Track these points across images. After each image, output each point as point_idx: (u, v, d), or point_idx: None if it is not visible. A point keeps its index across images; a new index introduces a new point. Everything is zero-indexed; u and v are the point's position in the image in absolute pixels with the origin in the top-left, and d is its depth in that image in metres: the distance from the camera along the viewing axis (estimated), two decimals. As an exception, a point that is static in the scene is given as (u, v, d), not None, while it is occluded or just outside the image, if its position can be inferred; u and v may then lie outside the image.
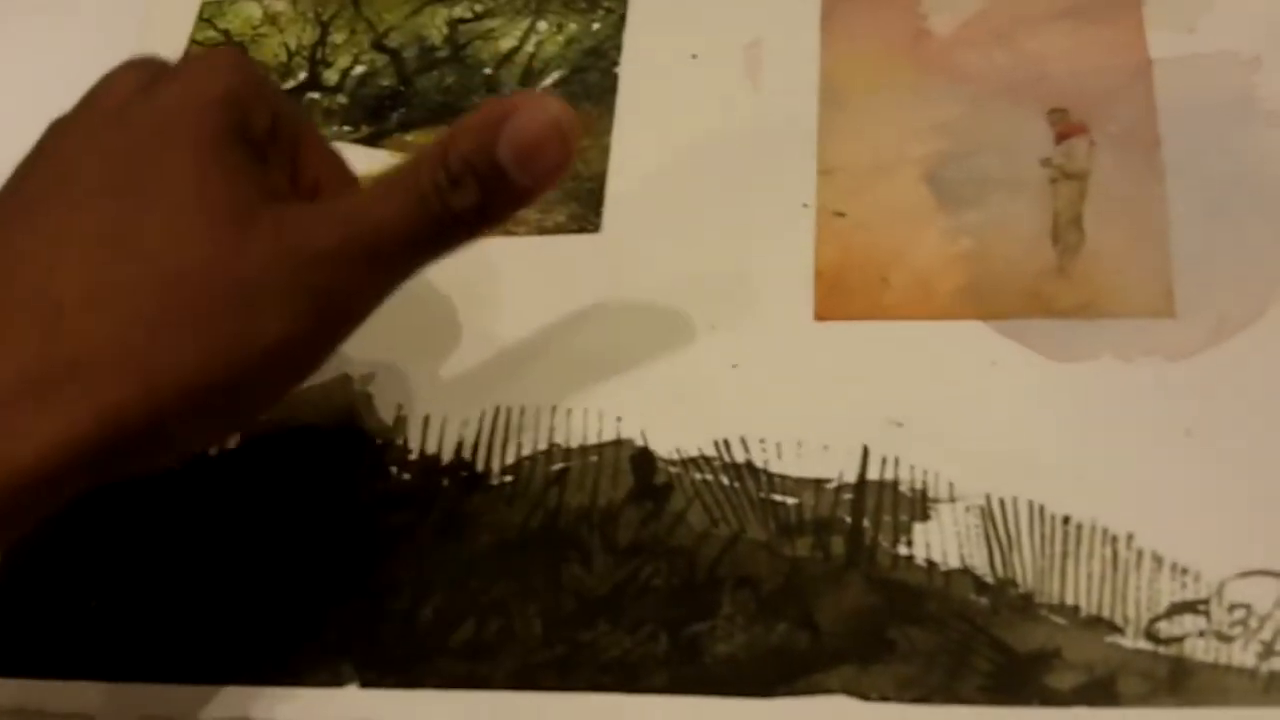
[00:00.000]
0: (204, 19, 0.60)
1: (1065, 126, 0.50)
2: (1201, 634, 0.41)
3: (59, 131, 0.43)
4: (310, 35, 0.58)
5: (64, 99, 0.56)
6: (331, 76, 0.57)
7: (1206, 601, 0.41)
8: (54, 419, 0.36)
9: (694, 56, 0.55)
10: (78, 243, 0.39)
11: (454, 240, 0.41)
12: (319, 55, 0.58)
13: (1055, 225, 0.48)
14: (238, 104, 0.41)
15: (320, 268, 0.39)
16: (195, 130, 0.40)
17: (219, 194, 0.39)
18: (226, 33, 0.59)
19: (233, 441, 0.49)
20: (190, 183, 0.39)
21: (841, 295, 0.48)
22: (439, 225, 0.40)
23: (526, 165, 0.39)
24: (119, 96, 0.42)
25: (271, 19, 0.59)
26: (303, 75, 0.57)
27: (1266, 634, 0.41)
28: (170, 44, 0.59)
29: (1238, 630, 0.41)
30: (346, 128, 0.55)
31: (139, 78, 0.42)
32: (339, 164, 0.45)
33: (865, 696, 0.41)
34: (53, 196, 0.40)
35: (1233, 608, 0.41)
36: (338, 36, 0.58)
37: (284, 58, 0.58)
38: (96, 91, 0.43)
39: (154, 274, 0.38)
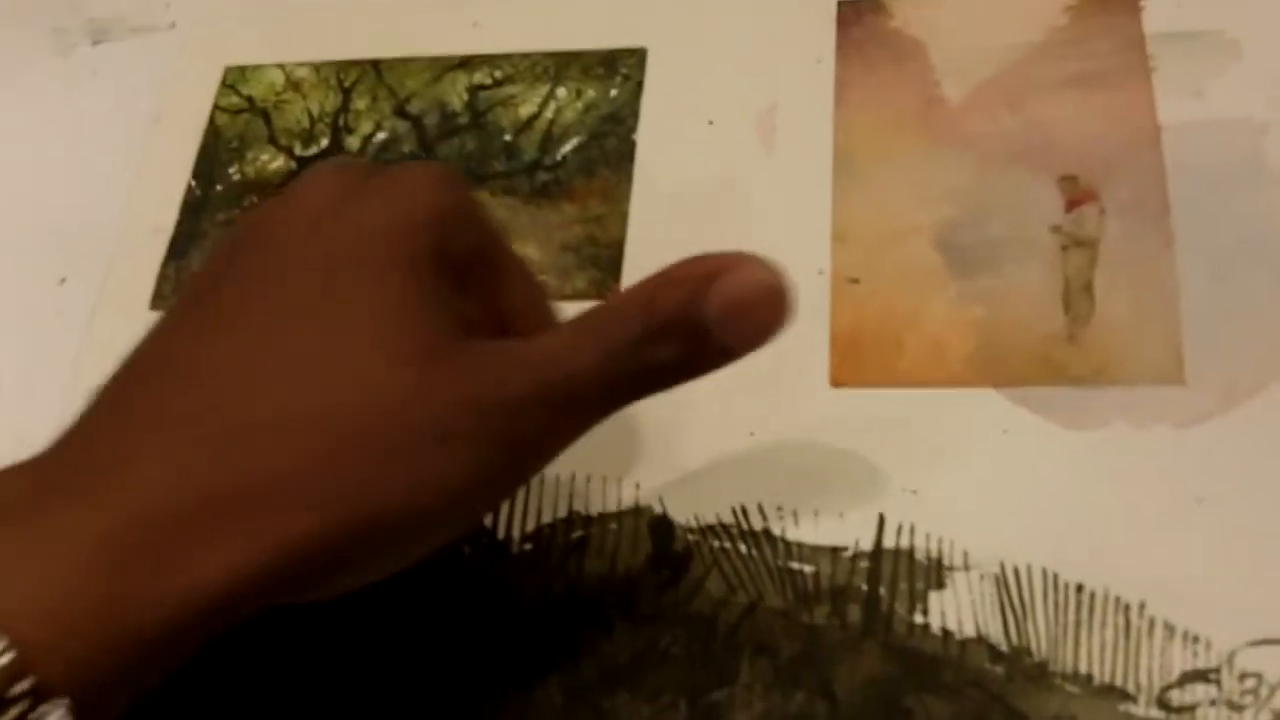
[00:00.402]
0: (227, 85, 0.61)
1: (1076, 194, 0.51)
2: (1213, 702, 0.42)
3: (256, 232, 0.41)
4: (333, 102, 0.59)
5: (87, 162, 0.58)
6: (354, 143, 0.58)
7: (1218, 670, 0.42)
8: (234, 544, 0.35)
9: (710, 123, 0.56)
10: (272, 364, 0.37)
11: (648, 391, 0.40)
12: (341, 122, 0.59)
13: (1066, 292, 0.49)
14: (443, 226, 0.40)
15: (511, 415, 0.38)
16: (397, 253, 0.39)
17: (415, 326, 0.38)
18: (250, 99, 0.60)
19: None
20: (386, 311, 0.38)
21: (856, 361, 0.49)
22: (634, 379, 0.39)
23: (733, 326, 0.38)
24: (319, 203, 0.40)
25: (294, 85, 0.60)
26: (325, 142, 0.58)
27: (1277, 702, 0.41)
28: (194, 109, 0.60)
29: (1248, 699, 0.41)
30: (368, 194, 0.56)
31: (343, 184, 0.41)
32: (536, 293, 0.44)
33: (882, 765, 0.42)
34: (244, 310, 0.39)
35: (1244, 676, 0.42)
36: (360, 103, 0.59)
37: (306, 124, 0.59)
38: (298, 192, 0.41)
39: (345, 405, 0.37)
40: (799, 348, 0.50)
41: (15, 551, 0.34)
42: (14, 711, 0.32)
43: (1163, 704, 0.42)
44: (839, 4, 0.57)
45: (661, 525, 0.47)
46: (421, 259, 0.39)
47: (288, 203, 0.41)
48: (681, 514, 0.47)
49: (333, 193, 0.41)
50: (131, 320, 0.55)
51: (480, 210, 0.43)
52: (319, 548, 0.36)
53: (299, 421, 0.36)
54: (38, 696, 0.33)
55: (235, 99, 0.60)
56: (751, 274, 0.38)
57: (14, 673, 0.32)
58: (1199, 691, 0.42)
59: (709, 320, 0.38)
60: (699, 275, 0.38)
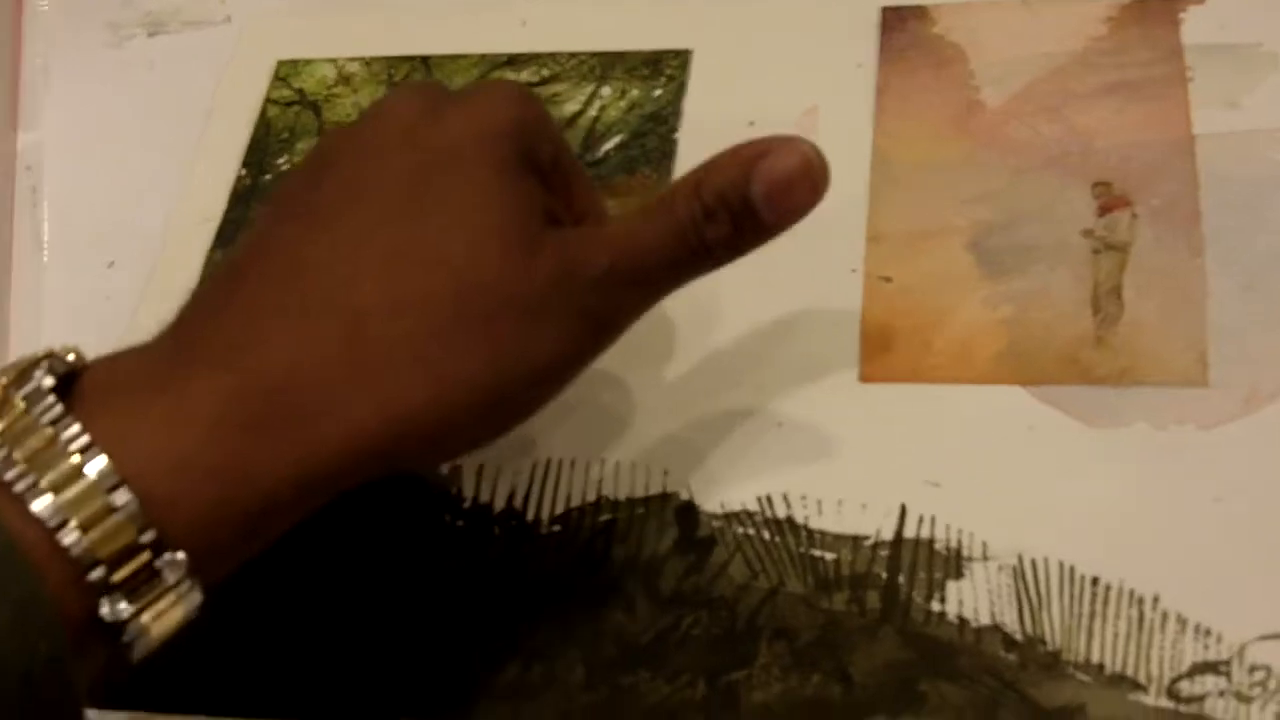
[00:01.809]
0: (279, 78, 0.62)
1: (1109, 199, 0.51)
2: (1222, 694, 0.42)
3: (341, 147, 0.45)
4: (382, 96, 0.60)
5: (140, 151, 0.60)
6: (402, 136, 0.59)
7: (1228, 663, 0.42)
8: (352, 415, 0.39)
9: (751, 123, 0.57)
10: (377, 257, 0.41)
11: (705, 267, 0.44)
12: (390, 115, 0.60)
13: (1095, 295, 0.50)
14: (525, 134, 0.44)
15: (595, 289, 0.42)
16: (489, 155, 0.42)
17: (511, 217, 0.42)
18: (301, 91, 0.62)
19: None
20: (484, 205, 0.42)
21: (886, 358, 0.50)
22: (694, 254, 0.43)
23: (775, 203, 0.42)
24: (405, 119, 0.44)
25: (345, 80, 0.62)
26: (374, 134, 0.59)
27: (1288, 697, 0.42)
28: (247, 101, 0.62)
29: (1257, 691, 0.42)
30: (414, 185, 0.58)
31: (423, 103, 0.44)
32: (596, 195, 0.48)
33: (895, 748, 0.43)
34: (345, 210, 0.42)
35: (1253, 669, 0.42)
36: (409, 97, 0.60)
37: (356, 117, 0.60)
38: (380, 112, 0.45)
39: (451, 289, 0.40)
40: (830, 343, 0.51)
41: (145, 413, 0.37)
42: (138, 561, 0.36)
43: (1172, 694, 0.42)
44: (882, 9, 0.58)
45: (687, 511, 0.48)
46: (510, 160, 0.43)
47: (375, 119, 0.45)
48: (708, 501, 0.48)
49: (420, 108, 0.44)
50: (178, 304, 0.56)
51: (552, 122, 0.47)
52: (427, 417, 0.40)
53: (407, 305, 0.40)
54: (158, 548, 0.36)
55: (287, 92, 0.62)
56: (790, 154, 0.43)
57: (140, 523, 0.36)
58: (1209, 683, 0.42)
59: (755, 200, 0.42)
60: (746, 157, 0.43)
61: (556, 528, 0.49)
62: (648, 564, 0.47)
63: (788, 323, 0.52)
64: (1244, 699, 0.42)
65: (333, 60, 0.62)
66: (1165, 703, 0.42)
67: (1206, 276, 0.49)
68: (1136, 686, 0.43)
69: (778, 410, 0.50)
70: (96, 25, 0.66)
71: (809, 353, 0.51)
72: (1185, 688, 0.42)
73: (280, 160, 0.60)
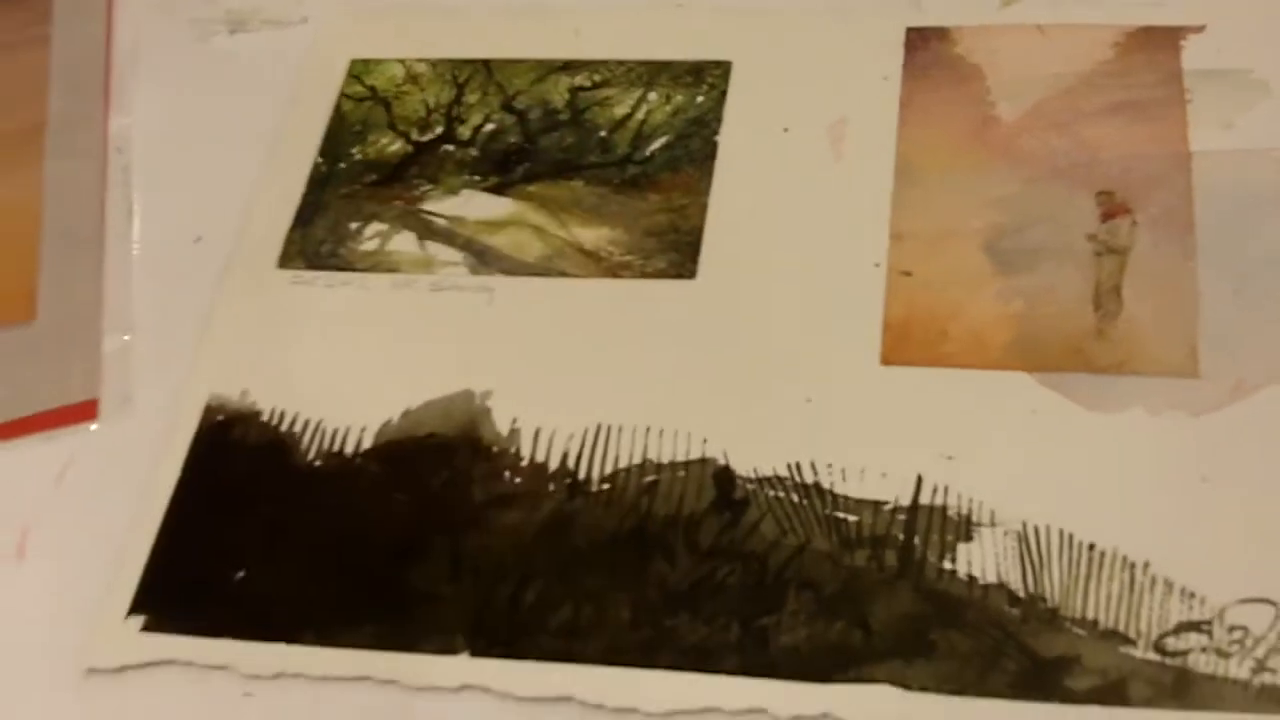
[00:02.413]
0: (352, 75, 0.68)
1: (1111, 207, 0.57)
2: (1204, 650, 0.47)
3: None
4: (447, 95, 0.66)
5: (224, 138, 0.65)
6: (465, 132, 0.65)
7: (1210, 622, 0.48)
8: None
9: (785, 130, 0.62)
10: None
11: None
12: (454, 113, 0.65)
13: (1097, 293, 0.55)
14: None
15: None
16: None
17: None
18: (373, 89, 0.67)
19: (368, 443, 0.56)
20: None
21: (905, 344, 0.55)
22: None
23: None
24: None
25: (413, 79, 0.67)
26: (439, 129, 0.65)
27: (1260, 652, 0.47)
28: (322, 95, 0.67)
29: (1235, 648, 0.47)
30: (476, 177, 0.63)
31: None
32: None
33: (908, 687, 0.48)
34: None
35: (1232, 629, 0.47)
36: (471, 97, 0.66)
37: (423, 113, 0.66)
38: None
39: None
40: (855, 329, 0.56)
41: None
42: None
43: (1159, 649, 0.47)
44: (907, 29, 0.64)
45: (724, 474, 0.53)
46: None
47: None
48: (743, 466, 0.53)
49: None
50: (260, 277, 0.62)
51: None
52: None
53: None
54: None
55: (359, 88, 0.67)
56: None
57: None
58: (1192, 640, 0.47)
59: None
60: None
61: (606, 486, 0.54)
62: (688, 520, 0.52)
63: (817, 310, 0.57)
64: (1223, 655, 0.47)
65: (402, 60, 0.68)
66: (1153, 656, 0.47)
67: (1198, 279, 0.54)
68: (1127, 641, 0.48)
69: (807, 388, 0.55)
70: (181, 22, 0.71)
71: (836, 337, 0.56)
72: (1171, 643, 0.47)
73: (353, 150, 0.65)
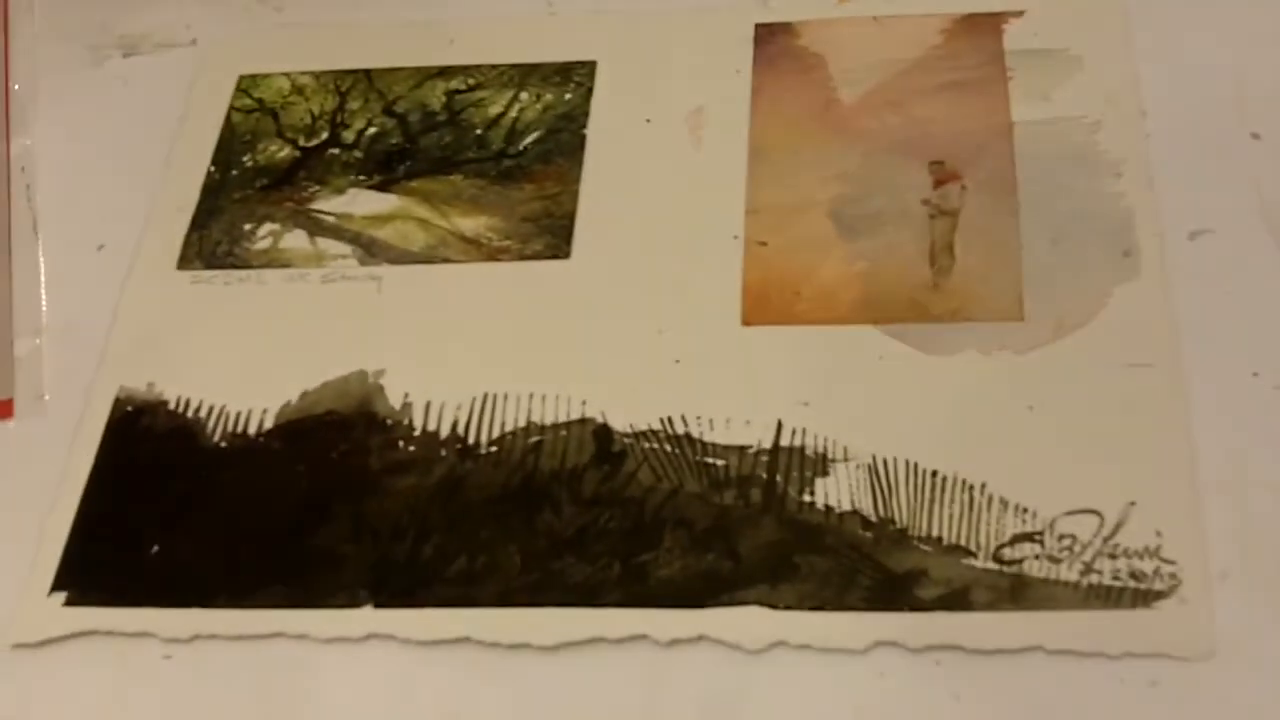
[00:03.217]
0: (241, 90, 0.72)
1: (942, 174, 0.62)
2: (1037, 557, 0.53)
3: None
4: (331, 103, 0.70)
5: (121, 153, 0.69)
6: (349, 136, 0.69)
7: (1041, 533, 0.53)
8: None
9: (648, 121, 0.67)
10: None
11: None
12: (338, 119, 0.70)
13: (932, 251, 0.60)
14: None
15: None
16: None
17: None
18: (261, 101, 0.71)
19: (270, 423, 0.60)
20: None
21: (763, 306, 0.60)
22: None
23: None
24: None
25: (299, 90, 0.71)
26: (325, 135, 0.69)
27: (1088, 556, 0.52)
28: (213, 110, 0.71)
29: (1065, 554, 0.52)
30: (361, 177, 0.68)
31: None
32: None
33: (774, 606, 0.53)
34: None
35: (1061, 537, 0.53)
36: (354, 104, 0.70)
37: (309, 121, 0.70)
38: None
39: None
40: (717, 296, 0.61)
41: None
42: None
43: (997, 559, 0.53)
44: (756, 25, 0.69)
45: (603, 431, 0.58)
46: None
47: None
48: (619, 423, 0.58)
49: None
50: (161, 279, 0.66)
51: None
52: None
53: None
54: None
55: (248, 101, 0.71)
56: None
57: None
58: (1026, 549, 0.53)
59: None
60: None
61: (494, 448, 0.58)
62: (570, 474, 0.57)
63: (682, 279, 0.62)
64: (1055, 560, 0.52)
65: (287, 74, 0.72)
66: (992, 565, 0.53)
67: (1021, 234, 0.60)
68: (968, 554, 0.53)
69: (676, 349, 0.60)
70: (77, 48, 0.75)
71: (700, 304, 0.61)
72: (1008, 553, 0.53)
73: (245, 158, 0.69)
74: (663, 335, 0.60)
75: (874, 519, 0.54)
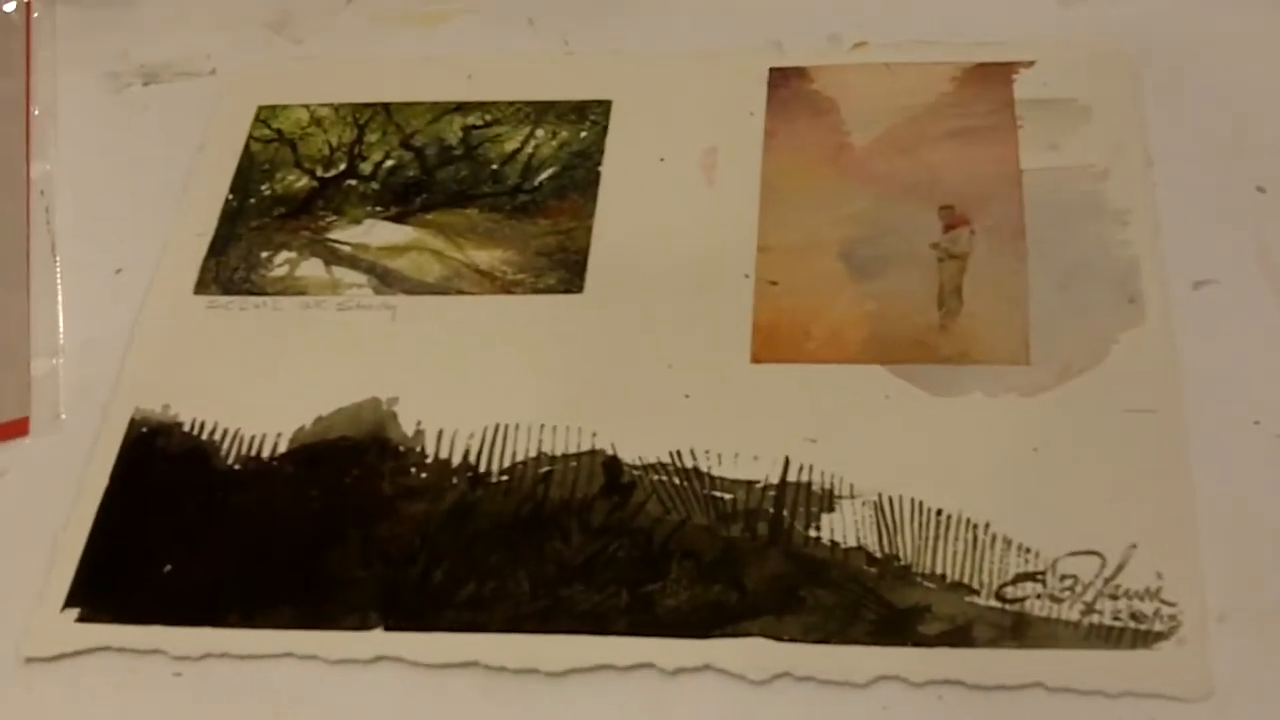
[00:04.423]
0: (260, 120, 0.73)
1: (952, 219, 0.63)
2: (1039, 596, 0.53)
3: None
4: (349, 135, 0.72)
5: (141, 179, 0.70)
6: (366, 168, 0.70)
7: (1044, 573, 0.54)
8: None
9: (661, 159, 0.68)
10: None
11: None
12: (356, 151, 0.71)
13: (940, 293, 0.61)
14: None
15: None
16: None
17: None
18: (279, 131, 0.72)
19: (284, 447, 0.61)
20: None
21: (773, 344, 0.61)
22: None
23: None
24: None
25: (317, 121, 0.72)
26: (343, 166, 0.70)
27: (1089, 596, 0.53)
28: (232, 139, 0.72)
29: (1066, 594, 0.53)
30: (378, 208, 0.69)
31: None
32: None
33: (779, 638, 0.53)
34: None
35: (1063, 578, 0.54)
36: (372, 136, 0.71)
37: (327, 152, 0.71)
38: None
39: None
40: (728, 333, 0.62)
41: None
42: None
43: (1000, 596, 0.53)
44: (770, 69, 0.70)
45: (612, 463, 0.59)
46: None
47: None
48: (629, 455, 0.59)
49: None
50: (178, 303, 0.67)
51: None
52: None
53: None
54: None
55: (267, 131, 0.72)
56: None
57: None
58: (1028, 588, 0.54)
59: None
60: None
61: (504, 477, 0.59)
62: (580, 504, 0.58)
63: (694, 316, 0.63)
64: (1056, 600, 0.53)
65: (306, 105, 0.73)
66: (994, 603, 0.53)
67: (1028, 279, 0.61)
68: (971, 591, 0.54)
69: (686, 385, 0.61)
70: (98, 75, 0.76)
71: (711, 340, 0.62)
72: (1010, 592, 0.54)
73: (263, 186, 0.70)
74: (673, 370, 0.61)
75: (879, 555, 0.55)
